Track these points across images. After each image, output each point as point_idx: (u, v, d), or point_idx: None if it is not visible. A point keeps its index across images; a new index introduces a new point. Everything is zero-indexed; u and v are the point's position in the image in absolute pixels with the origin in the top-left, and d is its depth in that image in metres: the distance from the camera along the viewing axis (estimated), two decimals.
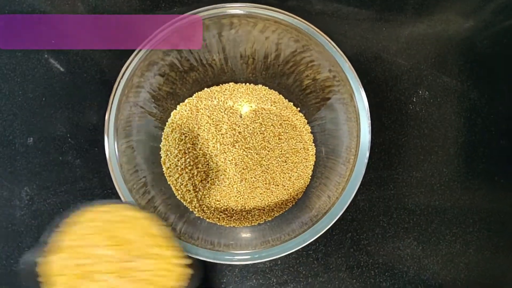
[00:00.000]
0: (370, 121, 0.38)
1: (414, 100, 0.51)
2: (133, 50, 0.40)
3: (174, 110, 0.47)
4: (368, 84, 0.51)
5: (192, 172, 0.45)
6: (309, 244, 0.38)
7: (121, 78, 0.39)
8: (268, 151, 0.46)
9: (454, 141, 0.51)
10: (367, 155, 0.38)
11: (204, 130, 0.46)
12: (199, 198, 0.45)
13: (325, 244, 0.48)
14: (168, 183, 0.46)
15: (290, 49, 0.43)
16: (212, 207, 0.45)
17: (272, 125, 0.47)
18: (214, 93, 0.48)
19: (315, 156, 0.48)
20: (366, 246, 0.49)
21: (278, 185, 0.46)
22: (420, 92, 0.51)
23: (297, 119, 0.48)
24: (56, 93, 0.50)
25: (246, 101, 0.48)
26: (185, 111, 0.47)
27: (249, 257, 0.38)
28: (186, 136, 0.46)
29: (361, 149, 0.38)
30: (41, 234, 0.47)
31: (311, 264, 0.48)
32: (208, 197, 0.45)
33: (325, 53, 0.40)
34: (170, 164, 0.46)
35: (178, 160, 0.46)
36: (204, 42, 0.43)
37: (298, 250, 0.38)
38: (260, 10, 0.39)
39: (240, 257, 0.38)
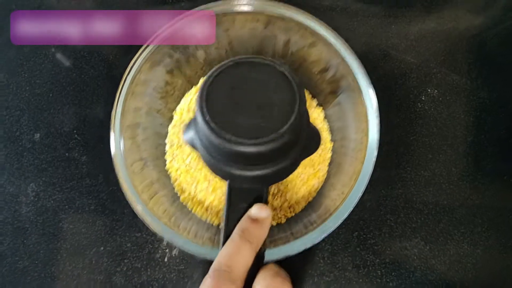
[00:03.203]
0: (379, 119, 0.38)
1: (423, 98, 0.50)
2: (140, 46, 0.40)
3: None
4: (376, 82, 0.50)
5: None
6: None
7: (128, 74, 0.39)
8: None
9: (463, 140, 0.50)
10: (375, 153, 0.38)
11: None
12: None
13: (332, 243, 0.48)
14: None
15: (298, 46, 0.43)
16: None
17: None
18: None
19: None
20: (373, 246, 0.48)
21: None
22: (429, 90, 0.50)
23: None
24: (63, 89, 0.50)
25: None
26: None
27: None
28: None
29: (369, 147, 0.38)
30: (47, 231, 0.47)
31: (317, 263, 0.48)
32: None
33: (334, 50, 0.39)
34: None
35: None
36: None
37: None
38: (269, 7, 0.39)
39: None
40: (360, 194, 0.37)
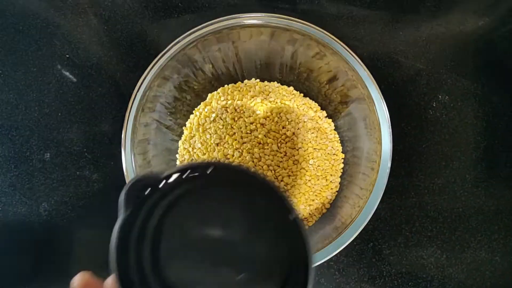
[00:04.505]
0: (391, 129, 0.37)
1: (434, 105, 0.50)
2: (148, 63, 0.40)
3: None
4: (386, 90, 0.50)
5: None
6: None
7: (137, 91, 0.39)
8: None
9: (476, 146, 0.49)
10: (389, 164, 0.37)
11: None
12: None
13: (346, 254, 0.47)
14: None
15: (305, 57, 0.43)
16: None
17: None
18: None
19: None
20: (388, 256, 0.47)
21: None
22: (440, 96, 0.50)
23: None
24: (72, 108, 0.50)
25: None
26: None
27: None
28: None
29: (382, 158, 0.37)
30: (60, 250, 0.47)
31: (333, 275, 0.47)
32: None
33: (341, 59, 0.39)
34: None
35: None
36: (220, 53, 0.42)
37: None
38: (276, 20, 0.39)
39: None
40: (375, 206, 0.37)
